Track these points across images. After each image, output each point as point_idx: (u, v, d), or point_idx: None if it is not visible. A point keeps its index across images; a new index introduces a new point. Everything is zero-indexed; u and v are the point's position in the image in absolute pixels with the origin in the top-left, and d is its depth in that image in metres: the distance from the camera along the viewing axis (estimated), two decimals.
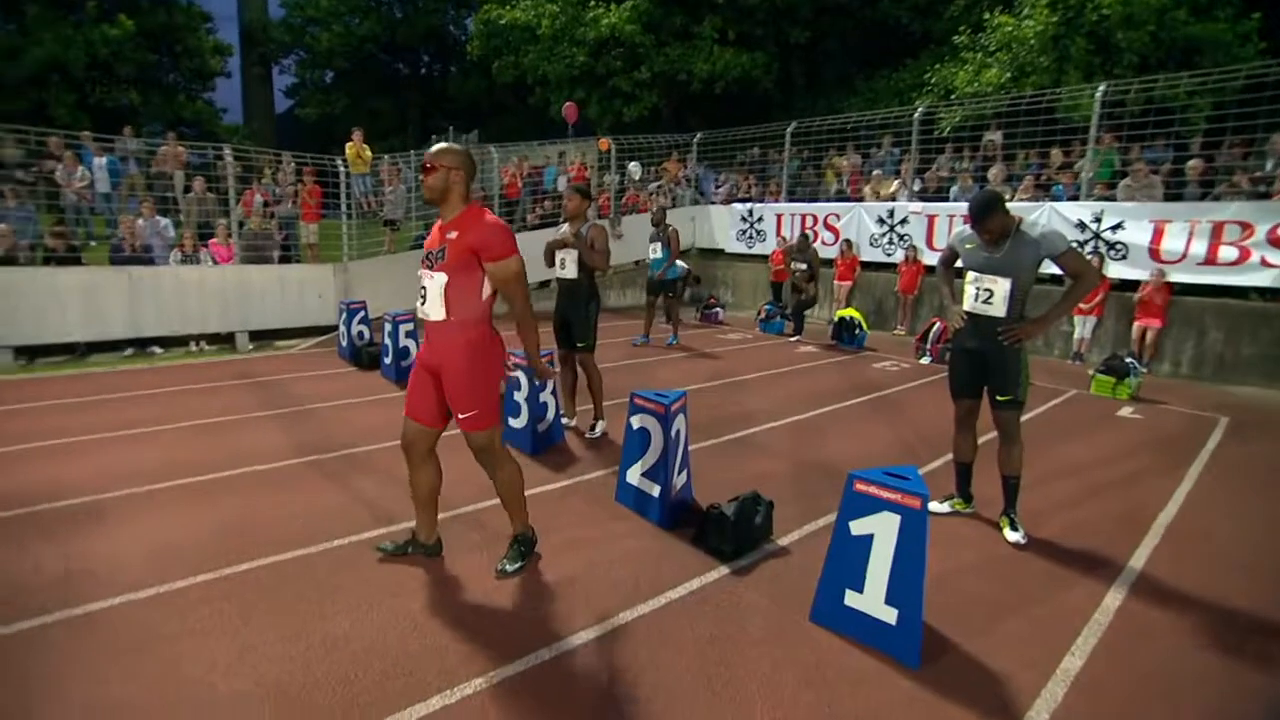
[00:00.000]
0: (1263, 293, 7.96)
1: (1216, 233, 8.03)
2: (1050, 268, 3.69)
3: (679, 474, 3.78)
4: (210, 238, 9.80)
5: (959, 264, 3.80)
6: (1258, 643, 2.78)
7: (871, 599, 2.58)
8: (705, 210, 14.48)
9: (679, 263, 11.64)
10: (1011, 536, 3.62)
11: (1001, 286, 3.45)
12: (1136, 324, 8.45)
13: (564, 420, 5.25)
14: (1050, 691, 2.42)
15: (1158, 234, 8.52)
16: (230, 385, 6.78)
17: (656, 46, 17.50)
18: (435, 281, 2.84)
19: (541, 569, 3.22)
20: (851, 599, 2.64)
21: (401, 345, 7.02)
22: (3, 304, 7.61)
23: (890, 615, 2.53)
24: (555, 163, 15.33)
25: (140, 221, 9.35)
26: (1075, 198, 9.59)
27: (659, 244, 8.99)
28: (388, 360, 7.12)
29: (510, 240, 2.85)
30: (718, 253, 14.19)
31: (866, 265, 11.50)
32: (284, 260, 10.36)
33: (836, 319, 9.87)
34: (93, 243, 10.08)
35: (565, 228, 5.10)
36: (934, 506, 3.95)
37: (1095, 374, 7.31)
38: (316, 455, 4.67)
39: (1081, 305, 8.88)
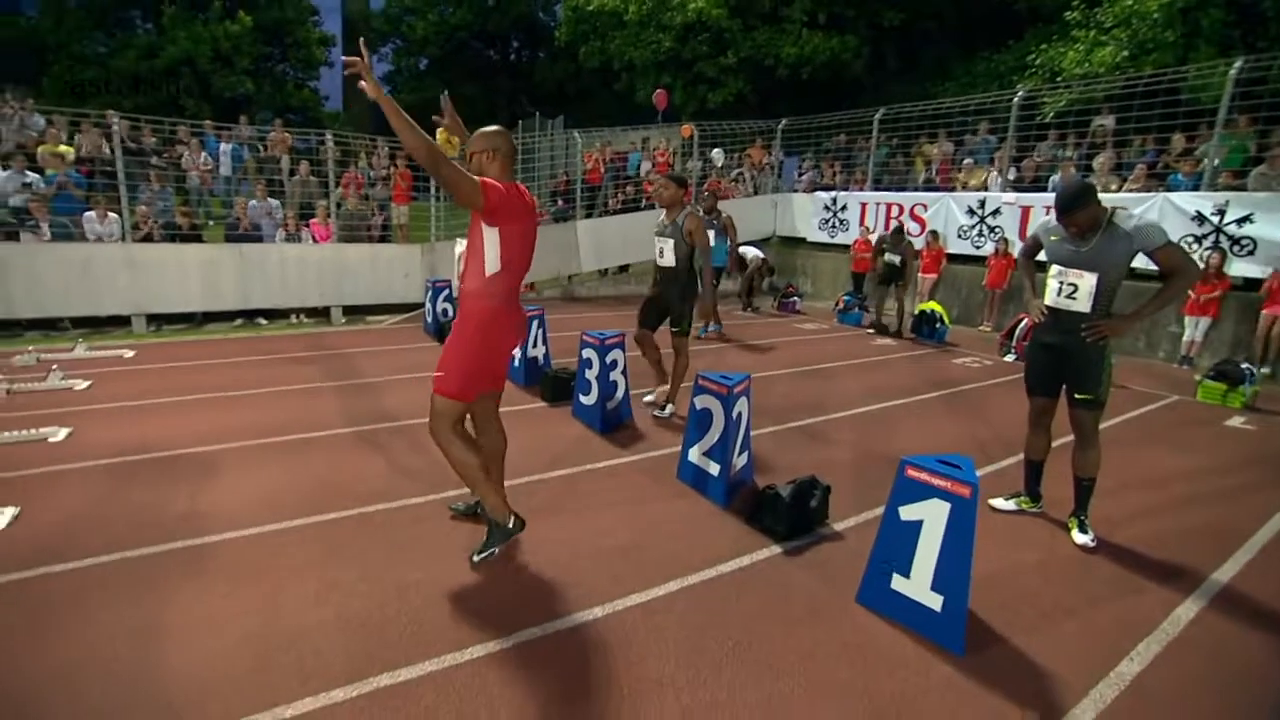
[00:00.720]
0: None
1: None
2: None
3: (739, 455, 3.86)
4: (311, 218, 10.58)
5: (1042, 256, 3.65)
6: None
7: (918, 584, 2.59)
8: (787, 198, 14.25)
9: (752, 250, 11.60)
10: (1080, 539, 3.49)
11: (1087, 281, 3.29)
12: (1264, 313, 7.71)
13: (647, 399, 5.54)
14: (1099, 693, 2.38)
15: None
16: (327, 355, 7.34)
17: (743, 30, 17.25)
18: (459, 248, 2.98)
19: (601, 537, 3.39)
20: (898, 583, 2.66)
21: None
22: (141, 277, 8.54)
23: (936, 601, 2.54)
24: (639, 148, 15.49)
25: (252, 203, 10.20)
26: (1196, 188, 8.83)
27: (712, 231, 8.81)
28: None
29: (496, 189, 2.73)
30: (799, 241, 13.95)
31: (953, 258, 11.04)
32: (380, 240, 11.06)
33: (917, 312, 9.55)
34: (211, 223, 11.06)
35: (662, 216, 5.22)
36: (999, 503, 3.88)
37: (1203, 379, 6.79)
38: (399, 421, 5.03)
39: (1196, 300, 8.22)
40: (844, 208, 13.03)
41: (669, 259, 5.16)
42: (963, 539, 2.44)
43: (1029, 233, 3.71)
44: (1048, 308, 3.49)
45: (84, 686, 2.20)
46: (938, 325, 9.29)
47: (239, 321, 9.17)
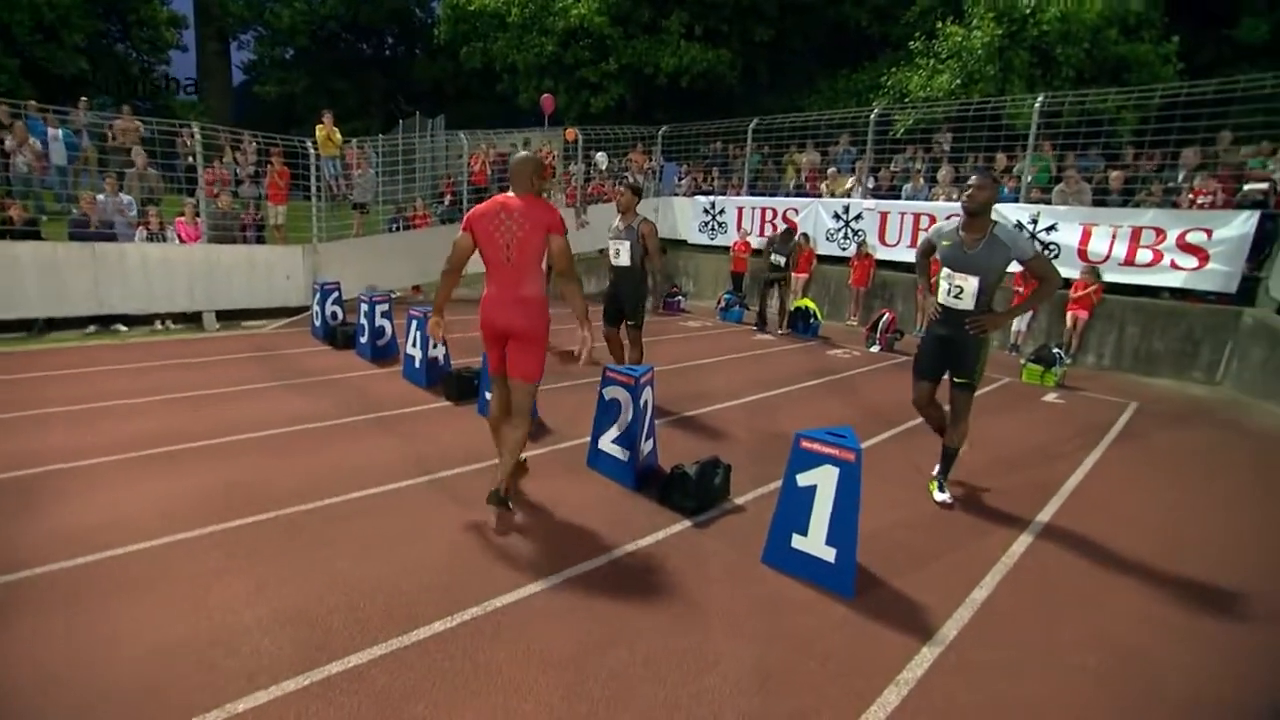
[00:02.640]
0: (1173, 292, 8.74)
1: (1134, 237, 8.78)
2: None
3: (646, 441, 4.16)
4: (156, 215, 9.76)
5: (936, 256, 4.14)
6: (1134, 575, 3.31)
7: (814, 541, 3.00)
8: (669, 201, 14.85)
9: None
10: (939, 497, 4.11)
11: (971, 284, 3.80)
12: (1069, 313, 9.14)
13: None
14: (959, 615, 2.89)
15: (1085, 236, 9.24)
16: (209, 361, 6.89)
17: (624, 39, 17.75)
18: None
19: (524, 520, 3.57)
20: (797, 541, 3.06)
21: (378, 325, 7.21)
22: None
23: (829, 554, 2.96)
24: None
25: (100, 197, 9.26)
26: (1015, 199, 10.27)
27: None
28: (363, 339, 7.30)
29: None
30: (680, 243, 14.59)
31: (822, 259, 12.06)
32: (258, 240, 10.42)
33: (792, 309, 10.37)
34: (44, 217, 9.90)
35: (617, 221, 5.68)
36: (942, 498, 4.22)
37: (1026, 363, 7.96)
38: (299, 426, 4.90)
39: (1020, 299, 9.59)
40: (722, 211, 13.81)
41: (624, 259, 5.63)
42: (850, 498, 2.87)
43: (924, 237, 4.19)
44: (940, 305, 4.01)
45: (27, 703, 2.11)
46: (811, 320, 10.15)
47: (92, 329, 8.31)
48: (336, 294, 8.33)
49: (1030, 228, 9.73)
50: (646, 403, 4.10)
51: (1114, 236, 8.96)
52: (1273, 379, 7.41)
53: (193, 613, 2.61)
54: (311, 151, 10.73)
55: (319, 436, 4.75)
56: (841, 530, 2.92)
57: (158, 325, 8.94)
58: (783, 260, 10.12)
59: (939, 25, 13.14)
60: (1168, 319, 8.63)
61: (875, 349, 9.23)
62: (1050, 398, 7.17)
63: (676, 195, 15.00)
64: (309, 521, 3.45)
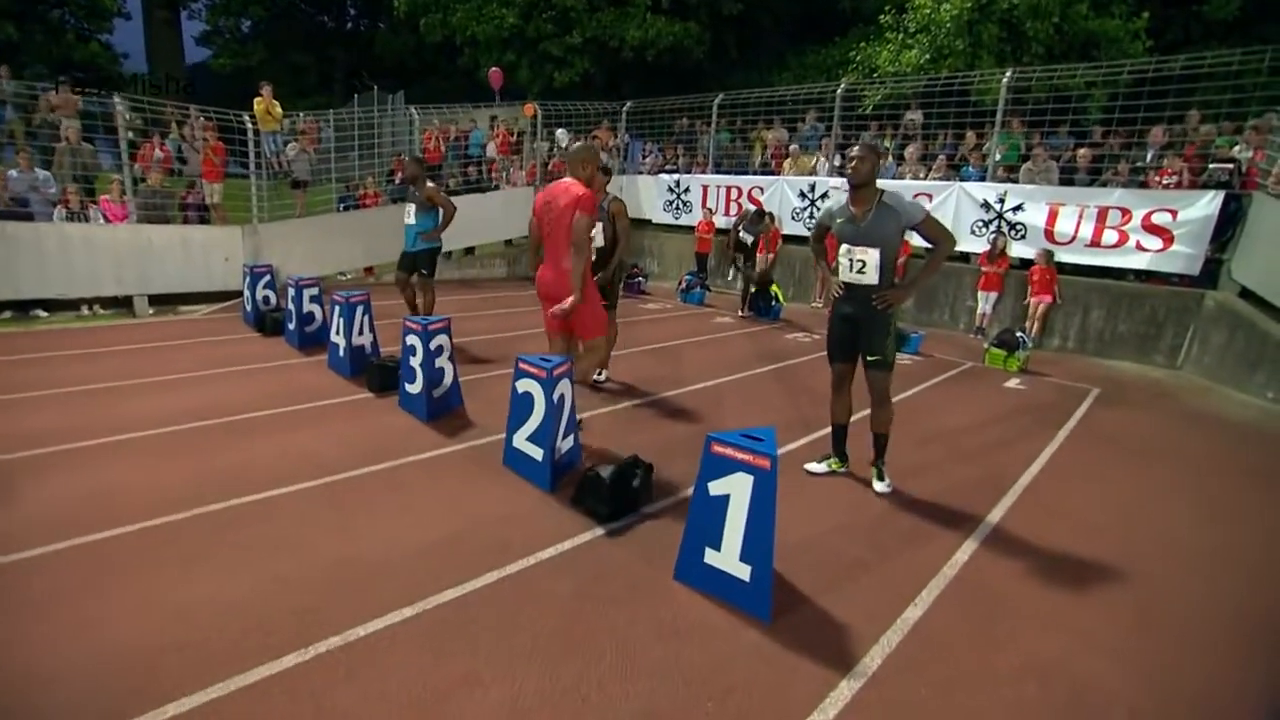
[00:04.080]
0: (1138, 274, 8.54)
1: (1101, 217, 8.54)
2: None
3: (564, 438, 3.80)
4: (90, 192, 9.16)
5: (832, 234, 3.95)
6: (1084, 589, 3.03)
7: (728, 556, 2.67)
8: (633, 180, 14.38)
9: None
10: (878, 486, 3.91)
11: (872, 257, 3.65)
12: (1031, 299, 8.94)
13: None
14: (888, 639, 2.58)
15: (1051, 216, 8.99)
16: (121, 351, 6.38)
17: (589, 11, 17.09)
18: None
19: (421, 530, 3.21)
20: (710, 557, 2.73)
21: (306, 310, 6.74)
22: None
23: (744, 572, 2.63)
24: (479, 127, 14.88)
25: (14, 173, 8.62)
26: (983, 179, 9.99)
27: (413, 205, 6.89)
28: (291, 326, 6.83)
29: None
30: (645, 223, 14.15)
31: (788, 238, 11.72)
32: (201, 221, 9.83)
33: (753, 290, 10.02)
34: None
35: None
36: (813, 467, 4.16)
37: (989, 348, 7.72)
38: (200, 421, 4.47)
39: (986, 272, 9.28)
40: (687, 190, 13.39)
41: (598, 240, 5.37)
42: (766, 509, 2.54)
43: (815, 220, 4.05)
44: (843, 283, 3.81)
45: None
46: (773, 303, 9.82)
47: (7, 315, 7.73)
48: (268, 277, 7.81)
49: (998, 207, 9.46)
50: (563, 397, 3.73)
51: (1080, 216, 8.72)
52: (1233, 363, 7.24)
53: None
54: (249, 126, 10.12)
55: (218, 434, 4.32)
56: (757, 545, 2.59)
57: (84, 311, 8.40)
58: (750, 239, 9.73)
59: None
60: (1132, 302, 8.43)
61: None
62: (1012, 383, 6.92)
63: (641, 173, 14.54)
64: (181, 533, 3.05)
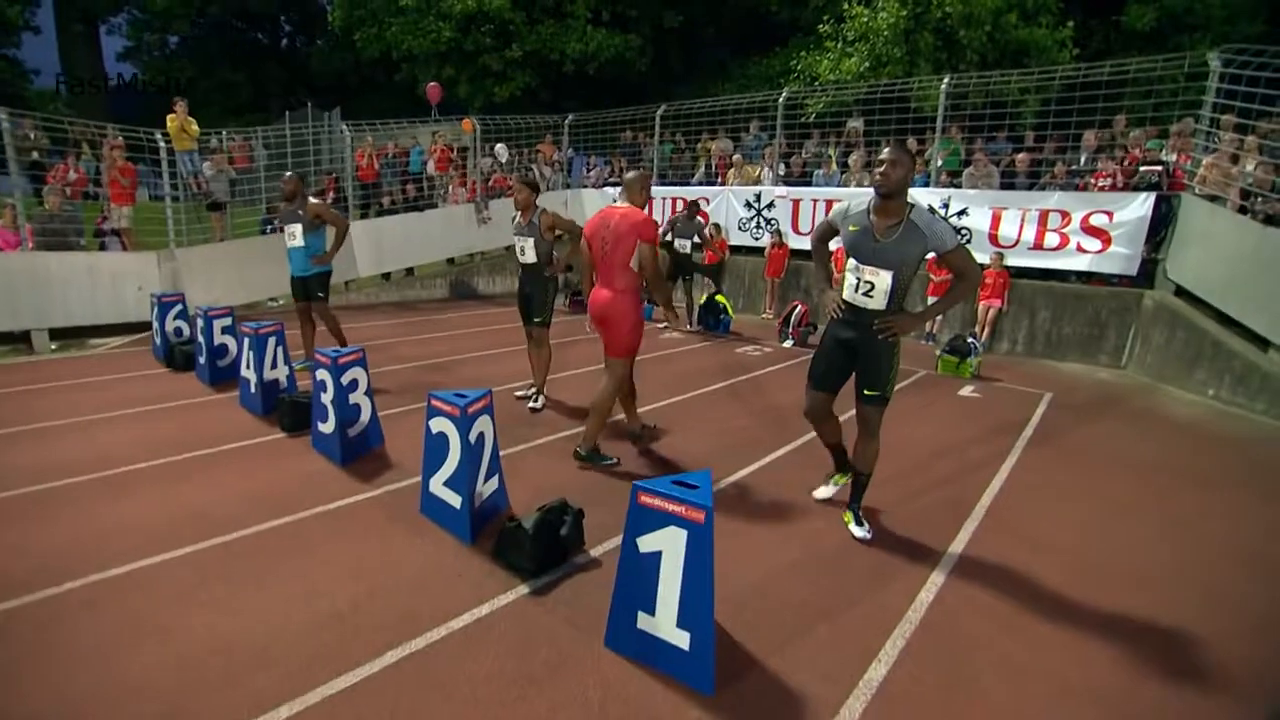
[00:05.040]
0: (1079, 275, 8.58)
1: (1042, 220, 8.57)
2: None
3: (485, 481, 3.40)
4: None
5: (835, 244, 3.55)
6: (1055, 624, 2.77)
7: (664, 622, 2.31)
8: (578, 194, 14.07)
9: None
10: (857, 532, 3.46)
11: (883, 280, 3.16)
12: (980, 304, 8.91)
13: (518, 393, 5.76)
14: (850, 708, 2.25)
15: (995, 220, 9.00)
16: (6, 394, 5.69)
17: (528, 24, 16.76)
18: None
19: (315, 599, 2.76)
20: (644, 622, 2.36)
21: (218, 343, 6.15)
22: None
23: (682, 639, 2.27)
24: (419, 144, 14.39)
25: None
26: (926, 185, 9.98)
27: (299, 226, 6.15)
28: (202, 360, 6.23)
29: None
30: None
31: (735, 249, 11.53)
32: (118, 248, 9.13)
33: (703, 302, 9.76)
34: None
35: (518, 217, 5.41)
36: (822, 492, 3.84)
37: (941, 355, 7.60)
38: (74, 478, 3.91)
39: (935, 281, 9.24)
40: None
41: (530, 256, 5.37)
42: (703, 568, 2.19)
43: (825, 218, 3.49)
44: (845, 303, 3.35)
45: None
46: (722, 316, 9.57)
47: None
48: (180, 307, 7.18)
49: (942, 212, 9.43)
50: (482, 436, 3.34)
51: (1023, 220, 8.74)
52: (1173, 361, 7.27)
53: None
54: (162, 145, 9.45)
55: (91, 492, 3.77)
56: (695, 609, 2.24)
57: None
58: (688, 245, 9.28)
59: (846, 7, 12.79)
60: (1075, 303, 8.45)
61: (789, 344, 8.74)
62: (966, 391, 6.78)
63: (585, 187, 14.23)
64: (9, 628, 2.54)
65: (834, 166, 11.28)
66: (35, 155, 10.37)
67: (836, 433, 3.74)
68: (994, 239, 9.00)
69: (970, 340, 7.50)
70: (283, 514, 3.54)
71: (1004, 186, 9.34)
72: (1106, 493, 4.28)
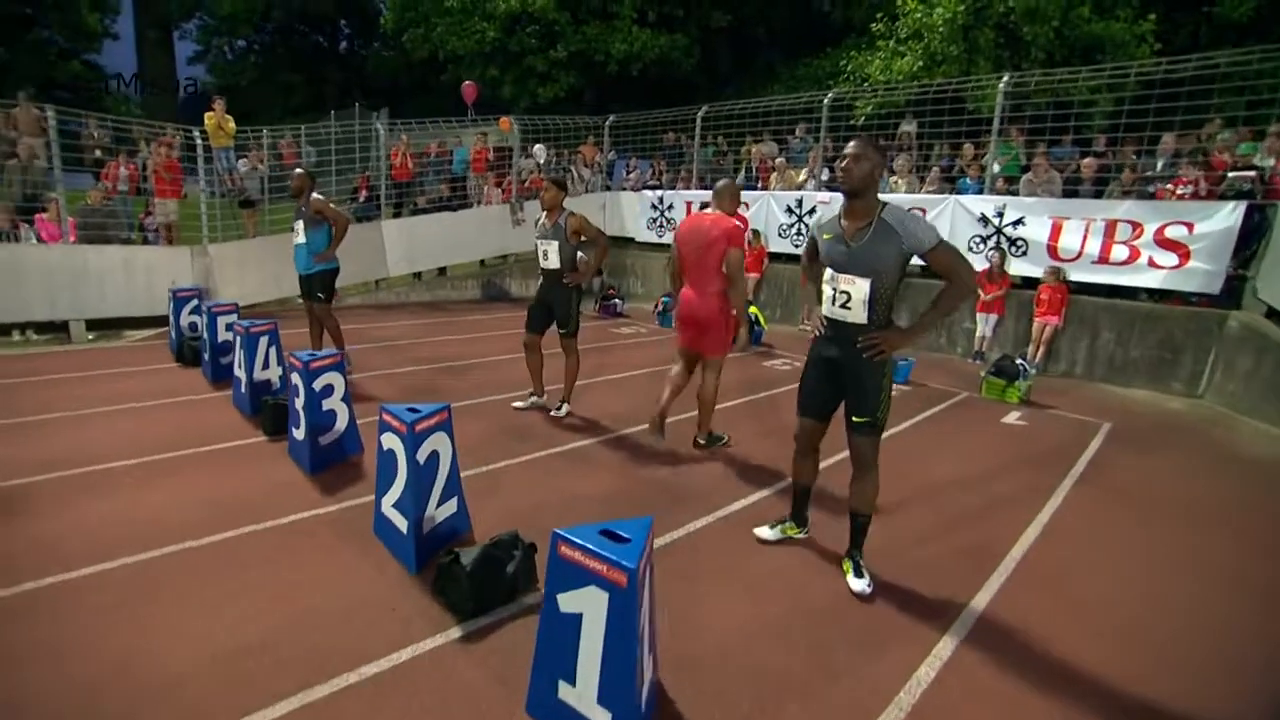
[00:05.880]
0: (1151, 293, 7.75)
1: (1109, 231, 7.78)
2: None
3: (439, 504, 3.07)
4: (33, 211, 8.66)
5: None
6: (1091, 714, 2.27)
7: (584, 695, 1.93)
8: (616, 197, 13.78)
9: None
10: (855, 585, 3.00)
11: (860, 289, 2.80)
12: (1035, 321, 8.18)
13: (534, 399, 5.48)
14: None
15: (1055, 231, 8.24)
16: (15, 384, 5.74)
17: (573, 24, 16.61)
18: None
19: (233, 629, 2.50)
20: (565, 692, 1.98)
21: (221, 340, 6.06)
22: None
23: (604, 719, 1.89)
24: (469, 144, 14.37)
25: None
26: (980, 192, 9.28)
27: (301, 222, 6.06)
28: (206, 356, 6.17)
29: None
30: (628, 241, 13.52)
31: (775, 256, 11.02)
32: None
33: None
34: None
35: (543, 218, 5.10)
36: (763, 532, 3.41)
37: (986, 377, 6.94)
38: (44, 475, 3.79)
39: (985, 298, 8.58)
40: (670, 206, 12.74)
41: (553, 261, 5.04)
42: (626, 640, 1.80)
43: (808, 232, 3.27)
44: (825, 318, 2.99)
45: None
46: (754, 327, 9.09)
47: None
48: (194, 302, 7.18)
49: (996, 221, 8.73)
50: (436, 455, 3.02)
51: (1087, 231, 7.95)
52: (1260, 392, 6.43)
53: None
54: (199, 142, 9.60)
55: (52, 492, 3.64)
56: (617, 685, 1.85)
57: (16, 336, 7.86)
58: None
59: (900, 3, 12.10)
60: (1145, 323, 7.63)
61: None
62: (1012, 418, 6.14)
63: (625, 190, 13.93)
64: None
65: (884, 171, 10.63)
66: (98, 153, 10.77)
67: (810, 474, 3.30)
68: (1053, 251, 8.24)
69: (1020, 362, 6.82)
70: (236, 525, 3.32)
71: (1067, 194, 8.57)
72: (1170, 544, 3.67)
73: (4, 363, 6.57)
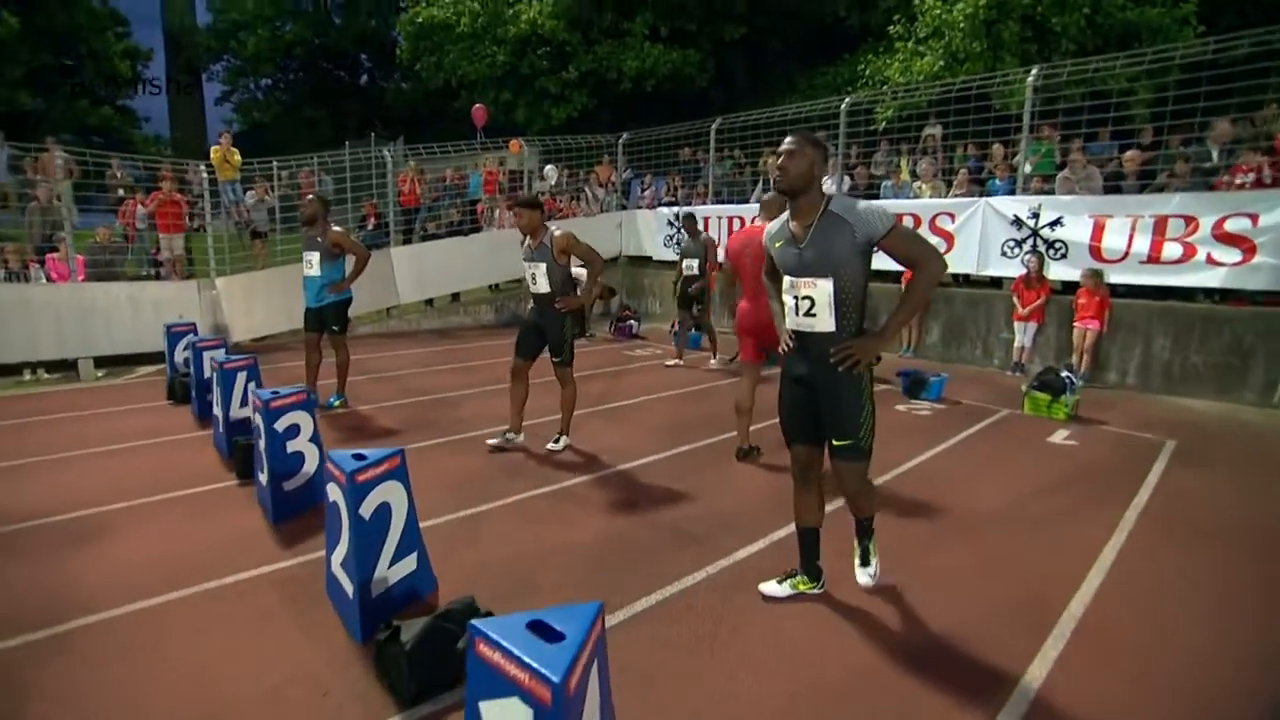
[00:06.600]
0: (1210, 294, 7.06)
1: (1159, 228, 7.13)
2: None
3: (392, 563, 2.67)
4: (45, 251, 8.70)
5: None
6: None
7: None
8: (632, 215, 13.46)
9: (581, 271, 10.61)
10: (864, 579, 2.95)
11: (822, 291, 2.51)
12: (1076, 327, 7.53)
13: (510, 437, 4.96)
14: None
15: (1098, 230, 7.60)
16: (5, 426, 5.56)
17: (584, 44, 16.48)
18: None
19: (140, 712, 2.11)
20: None
21: (206, 377, 5.80)
22: None
23: None
24: (479, 169, 14.26)
25: None
26: (1011, 193, 8.69)
27: (316, 254, 5.80)
28: (194, 393, 5.92)
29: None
30: (645, 260, 13.16)
31: None
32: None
33: None
34: None
35: (527, 241, 4.75)
36: (769, 588, 2.94)
37: (1028, 391, 6.33)
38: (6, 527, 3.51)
39: (1020, 312, 7.98)
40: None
41: (542, 285, 4.68)
42: None
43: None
44: (792, 333, 2.67)
45: None
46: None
47: None
48: (191, 337, 6.98)
49: (1031, 223, 8.13)
50: (387, 507, 2.62)
51: (1133, 229, 7.31)
52: None
53: None
54: (205, 176, 9.57)
55: (21, 542, 3.37)
56: None
57: (27, 375, 7.80)
58: (695, 266, 7.95)
59: (918, 2, 11.62)
60: (1206, 326, 6.94)
61: None
62: (1059, 437, 5.52)
63: (640, 208, 13.61)
64: None
65: (904, 176, 10.11)
66: (120, 192, 10.89)
67: (814, 513, 2.87)
68: (1096, 253, 7.61)
69: (1065, 374, 6.20)
70: (178, 586, 2.96)
71: (1108, 191, 7.95)
72: (1256, 592, 3.07)
73: (4, 403, 6.42)
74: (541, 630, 1.45)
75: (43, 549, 3.35)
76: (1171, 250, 7.04)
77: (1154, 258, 7.18)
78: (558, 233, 4.63)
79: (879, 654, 2.52)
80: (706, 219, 11.96)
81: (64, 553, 3.31)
